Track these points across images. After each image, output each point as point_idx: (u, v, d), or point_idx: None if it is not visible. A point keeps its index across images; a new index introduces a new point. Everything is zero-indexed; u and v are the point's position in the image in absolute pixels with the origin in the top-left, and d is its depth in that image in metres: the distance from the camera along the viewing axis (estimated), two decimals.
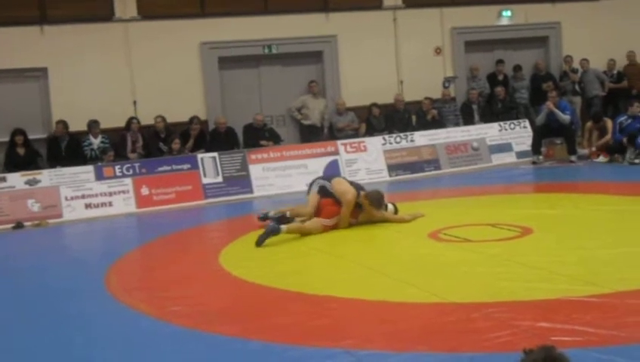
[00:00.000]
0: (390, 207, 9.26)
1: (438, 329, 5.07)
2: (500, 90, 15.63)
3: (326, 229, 8.75)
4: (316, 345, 4.94)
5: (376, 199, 9.01)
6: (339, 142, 13.76)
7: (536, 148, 13.94)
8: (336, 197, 8.94)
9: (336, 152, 13.50)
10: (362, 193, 9.04)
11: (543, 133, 13.94)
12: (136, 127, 13.32)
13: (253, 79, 15.06)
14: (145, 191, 12.24)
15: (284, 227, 8.47)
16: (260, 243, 8.19)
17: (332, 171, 12.89)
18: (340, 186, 9.02)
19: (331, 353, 4.76)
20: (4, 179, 11.80)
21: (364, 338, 5.00)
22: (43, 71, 13.52)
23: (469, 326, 5.02)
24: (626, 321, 4.88)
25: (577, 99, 16.13)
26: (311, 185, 9.35)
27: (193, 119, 13.66)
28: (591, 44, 16.44)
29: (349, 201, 8.81)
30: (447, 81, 15.88)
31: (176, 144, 13.01)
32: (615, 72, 16.52)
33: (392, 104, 15.10)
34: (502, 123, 14.78)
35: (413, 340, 4.90)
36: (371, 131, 14.65)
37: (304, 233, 8.61)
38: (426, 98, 15.12)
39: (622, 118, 13.31)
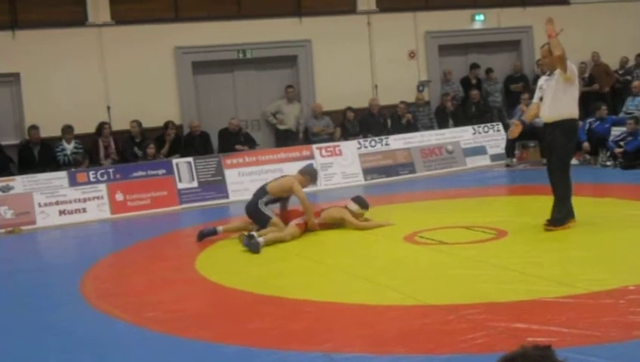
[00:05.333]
0: (354, 206, 9.23)
1: (415, 331, 5.10)
2: (475, 93, 15.75)
3: (301, 227, 8.80)
4: (294, 349, 4.94)
5: (309, 172, 9.55)
6: (314, 146, 13.76)
7: (509, 151, 14.07)
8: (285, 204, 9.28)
9: (312, 156, 13.50)
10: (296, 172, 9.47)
11: (517, 136, 14.02)
12: (107, 132, 13.24)
13: (227, 84, 15.03)
14: (119, 196, 12.15)
15: (220, 228, 9.02)
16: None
17: None
18: (277, 183, 9.14)
19: (310, 356, 4.77)
20: None
21: (343, 342, 5.01)
22: (15, 76, 13.39)
23: (446, 328, 5.05)
24: (601, 321, 4.94)
25: None
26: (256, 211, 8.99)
27: (168, 124, 13.62)
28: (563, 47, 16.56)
29: (292, 184, 9.00)
30: (422, 85, 15.97)
31: (151, 149, 12.94)
32: (586, 75, 16.71)
33: (367, 108, 15.16)
34: (476, 126, 14.89)
35: (391, 343, 4.91)
36: (346, 135, 14.68)
37: (283, 241, 8.58)
38: (402, 102, 15.20)
39: (590, 120, 13.48)
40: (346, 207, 9.22)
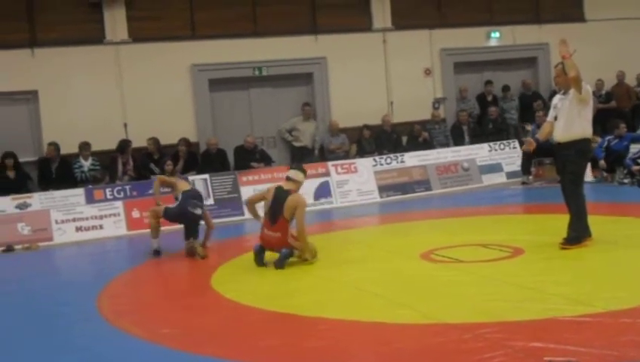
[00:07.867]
0: (300, 175, 8.63)
1: (431, 350, 5.06)
2: (493, 110, 15.72)
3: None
4: None
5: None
6: (330, 163, 13.78)
7: (525, 168, 14.01)
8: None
9: (327, 174, 13.51)
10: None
11: (533, 153, 13.99)
12: (129, 150, 13.32)
13: (243, 101, 15.09)
14: (136, 213, 12.20)
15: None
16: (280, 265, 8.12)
17: (323, 191, 13.00)
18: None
19: None
20: None
21: (357, 360, 4.99)
22: (33, 94, 13.52)
23: (462, 347, 5.01)
24: (619, 340, 4.89)
25: None
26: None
27: (180, 141, 13.68)
28: (579, 65, 16.44)
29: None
30: (437, 102, 15.97)
31: (168, 165, 13.00)
32: (603, 92, 16.64)
33: (381, 125, 15.18)
34: (492, 143, 14.86)
35: (406, 361, 4.88)
36: (362, 153, 14.68)
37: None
38: (417, 124, 15.24)
39: (609, 137, 13.42)
40: (288, 179, 8.60)
